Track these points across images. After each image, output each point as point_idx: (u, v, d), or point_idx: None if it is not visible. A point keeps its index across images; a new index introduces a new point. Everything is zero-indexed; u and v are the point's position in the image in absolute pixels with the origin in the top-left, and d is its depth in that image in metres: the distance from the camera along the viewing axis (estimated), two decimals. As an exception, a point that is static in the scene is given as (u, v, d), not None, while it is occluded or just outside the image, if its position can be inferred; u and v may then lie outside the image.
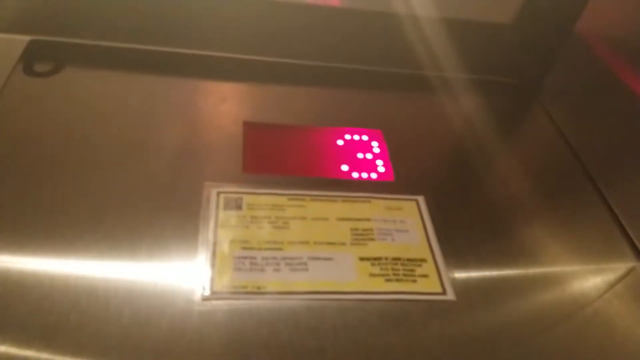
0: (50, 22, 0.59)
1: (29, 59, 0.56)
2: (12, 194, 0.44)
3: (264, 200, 0.47)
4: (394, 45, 0.61)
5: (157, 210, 0.44)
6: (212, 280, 0.40)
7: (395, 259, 0.44)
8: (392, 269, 0.44)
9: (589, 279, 0.46)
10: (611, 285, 0.46)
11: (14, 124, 0.50)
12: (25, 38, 0.58)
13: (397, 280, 0.43)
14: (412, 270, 0.44)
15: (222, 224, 0.44)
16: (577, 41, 0.61)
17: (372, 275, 0.43)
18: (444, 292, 0.43)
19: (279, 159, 0.52)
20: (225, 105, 0.56)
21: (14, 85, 0.54)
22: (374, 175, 0.52)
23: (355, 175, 0.52)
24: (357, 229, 0.46)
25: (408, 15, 0.60)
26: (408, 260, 0.45)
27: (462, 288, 0.43)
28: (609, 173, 0.55)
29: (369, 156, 0.54)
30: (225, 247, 0.42)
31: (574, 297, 0.45)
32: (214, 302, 0.39)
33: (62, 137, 0.49)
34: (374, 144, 0.55)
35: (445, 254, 0.46)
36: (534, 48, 0.65)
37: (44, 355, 0.34)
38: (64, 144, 0.49)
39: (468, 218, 0.50)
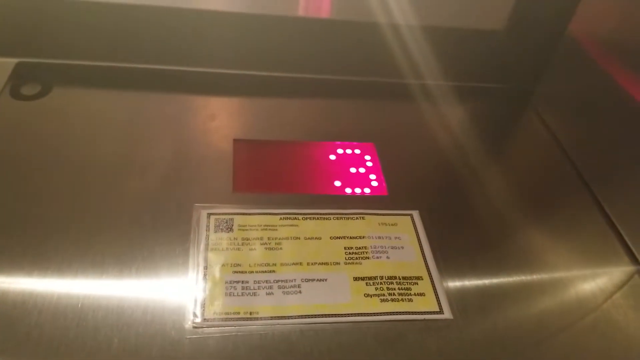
0: (37, 44, 0.58)
1: (17, 82, 0.56)
2: (0, 216, 0.43)
3: (256, 221, 0.46)
4: (384, 55, 0.61)
5: (146, 233, 0.44)
6: (204, 307, 0.39)
7: (390, 277, 0.44)
8: (388, 289, 0.43)
9: (588, 291, 0.46)
10: (609, 292, 0.46)
11: (1, 147, 0.49)
12: (13, 60, 0.58)
13: (393, 300, 0.42)
14: (408, 289, 0.43)
15: (212, 247, 0.43)
16: (569, 46, 0.61)
17: (367, 295, 0.42)
18: (440, 311, 0.42)
19: (270, 176, 0.51)
20: (214, 122, 0.56)
21: (1, 108, 0.53)
22: (367, 190, 0.51)
23: (348, 190, 0.51)
24: (351, 248, 0.45)
25: (400, 26, 0.60)
26: (403, 278, 0.44)
27: (459, 305, 0.43)
28: (604, 178, 0.55)
29: (362, 170, 0.53)
30: (216, 271, 0.42)
31: (572, 307, 0.44)
32: (206, 330, 0.38)
33: (50, 159, 0.49)
34: (367, 157, 0.55)
35: (441, 270, 0.45)
36: (527, 54, 0.65)
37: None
38: (50, 166, 0.48)
39: (464, 231, 0.49)
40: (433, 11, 0.60)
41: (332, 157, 0.54)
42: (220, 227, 0.45)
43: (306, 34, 0.61)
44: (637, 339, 0.42)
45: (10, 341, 0.36)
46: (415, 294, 0.43)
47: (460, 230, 0.49)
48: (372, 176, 0.53)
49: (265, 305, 0.40)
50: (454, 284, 0.44)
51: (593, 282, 0.46)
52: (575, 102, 0.61)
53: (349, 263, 0.44)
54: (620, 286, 0.47)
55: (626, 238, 0.50)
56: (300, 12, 0.60)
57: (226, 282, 0.41)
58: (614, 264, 0.49)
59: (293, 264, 0.43)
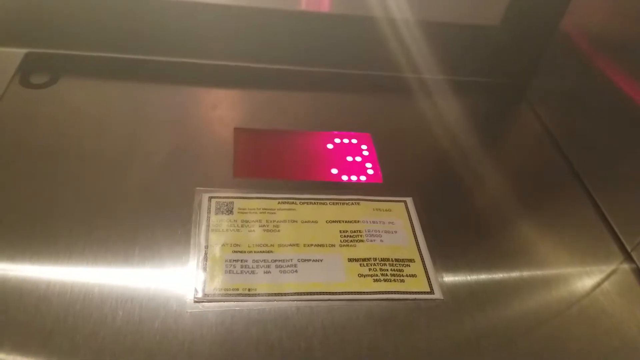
0: (45, 35, 0.60)
1: (26, 71, 0.58)
2: (9, 201, 0.45)
3: (255, 204, 0.48)
4: (382, 49, 0.62)
5: (150, 215, 0.46)
6: (204, 283, 0.41)
7: (383, 259, 0.45)
8: (381, 270, 0.44)
9: (577, 279, 0.47)
10: (598, 280, 0.47)
11: (12, 134, 0.51)
12: (22, 51, 0.60)
13: (385, 280, 0.44)
14: (401, 271, 0.45)
15: (213, 228, 0.45)
16: (563, 41, 0.62)
17: (361, 275, 0.44)
18: (431, 291, 0.44)
19: (269, 163, 0.53)
20: (216, 112, 0.57)
21: (11, 96, 0.55)
22: (363, 178, 0.53)
23: (344, 178, 0.53)
24: (346, 231, 0.47)
25: (396, 20, 0.61)
26: (396, 260, 0.45)
27: (450, 287, 0.44)
28: (596, 172, 0.55)
29: (358, 159, 0.55)
30: (216, 250, 0.43)
31: (560, 293, 0.45)
32: (206, 304, 0.40)
33: (58, 146, 0.50)
34: (363, 147, 0.56)
35: (433, 254, 0.46)
36: (521, 49, 0.66)
37: (41, 356, 0.35)
38: (59, 152, 0.50)
39: (456, 219, 0.51)
40: (429, 6, 0.61)
41: (330, 146, 0.56)
42: (221, 210, 0.47)
43: (306, 27, 0.63)
44: (621, 323, 0.44)
45: (20, 312, 0.37)
46: (407, 275, 0.44)
47: (453, 218, 0.51)
48: (368, 165, 0.54)
49: (263, 282, 0.42)
50: (445, 267, 0.46)
51: (581, 269, 0.48)
52: (568, 97, 0.62)
53: (344, 245, 0.46)
54: (609, 274, 0.48)
55: (616, 229, 0.51)
56: (301, 6, 0.61)
57: (226, 261, 0.43)
58: (603, 254, 0.49)
59: (290, 245, 0.45)
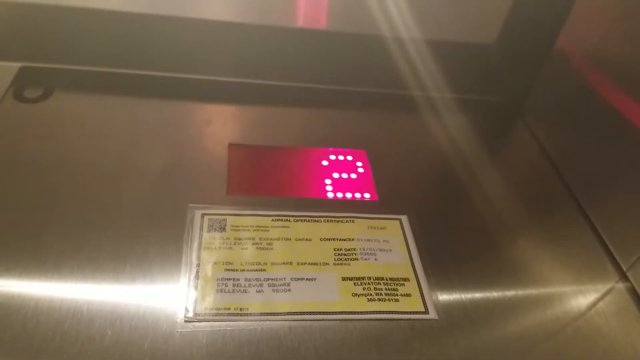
0: (39, 49, 0.60)
1: (20, 85, 0.58)
2: (0, 213, 0.45)
3: (248, 222, 0.47)
4: (377, 66, 0.63)
5: (141, 232, 0.45)
6: (195, 302, 0.40)
7: (378, 278, 0.45)
8: (375, 289, 0.44)
9: (573, 299, 0.46)
10: (593, 299, 0.47)
11: (4, 148, 0.51)
12: (16, 65, 0.60)
13: (380, 299, 0.43)
14: (395, 290, 0.44)
15: (205, 246, 0.45)
16: (558, 60, 0.62)
17: (355, 295, 0.43)
18: (426, 311, 0.43)
19: (263, 180, 0.52)
20: (210, 128, 0.57)
21: (5, 110, 0.55)
22: (357, 195, 0.53)
23: (339, 195, 0.52)
24: (340, 249, 0.47)
25: (393, 37, 0.61)
26: (391, 279, 0.45)
27: (445, 307, 0.44)
28: (592, 191, 0.55)
29: (353, 176, 0.54)
30: (208, 268, 0.43)
31: (555, 313, 0.45)
32: (197, 324, 0.39)
33: (50, 161, 0.50)
34: (358, 164, 0.56)
35: (428, 273, 0.46)
36: (517, 67, 0.67)
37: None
38: (51, 167, 0.49)
39: (451, 237, 0.50)
40: (425, 24, 0.61)
41: (325, 162, 0.56)
42: (214, 227, 0.46)
43: (301, 44, 0.63)
44: (617, 344, 0.43)
45: (6, 331, 0.37)
46: (401, 295, 0.44)
47: (448, 236, 0.50)
48: (363, 182, 0.54)
49: (255, 302, 0.41)
50: (440, 286, 0.45)
51: (577, 289, 0.47)
52: (564, 115, 0.62)
53: (338, 264, 0.45)
54: (604, 294, 0.47)
55: (611, 248, 0.51)
56: (297, 22, 0.61)
57: (218, 279, 0.42)
58: (598, 273, 0.49)
59: (283, 263, 0.45)
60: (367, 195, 0.53)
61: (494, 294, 0.46)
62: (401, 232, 0.49)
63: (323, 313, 0.42)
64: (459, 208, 0.54)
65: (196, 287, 0.41)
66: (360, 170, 0.55)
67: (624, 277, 0.49)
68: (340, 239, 0.47)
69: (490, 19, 0.64)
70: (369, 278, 0.45)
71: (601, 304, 0.46)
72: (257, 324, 0.40)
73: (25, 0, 0.56)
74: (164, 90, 0.61)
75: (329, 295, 0.43)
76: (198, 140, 0.56)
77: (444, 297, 0.45)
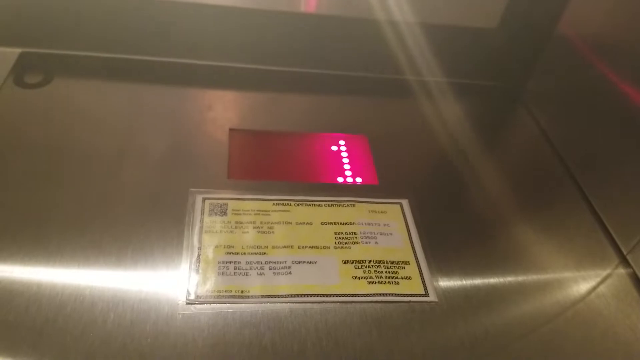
0: (40, 34, 0.60)
1: (20, 71, 0.58)
2: (1, 202, 0.45)
3: (249, 206, 0.47)
4: (378, 51, 0.62)
5: (143, 216, 0.45)
6: (197, 285, 0.41)
7: (378, 261, 0.45)
8: (375, 272, 0.44)
9: (573, 283, 0.47)
10: (593, 282, 0.47)
11: (5, 133, 0.51)
12: (17, 50, 0.60)
13: (380, 282, 0.43)
14: (395, 273, 0.44)
15: (206, 230, 0.45)
16: (559, 44, 0.62)
17: (355, 277, 0.44)
18: (426, 294, 0.43)
19: (264, 165, 0.53)
20: (211, 113, 0.57)
21: (5, 96, 0.55)
22: (358, 180, 0.53)
23: (340, 179, 0.52)
24: (341, 233, 0.47)
25: (393, 22, 0.61)
26: (391, 262, 0.45)
27: (445, 290, 0.44)
28: (592, 175, 0.55)
29: (354, 161, 0.54)
30: (209, 252, 0.43)
31: (558, 300, 0.45)
32: (198, 306, 0.40)
33: (51, 146, 0.50)
34: (359, 149, 0.56)
35: (428, 257, 0.46)
36: (518, 51, 0.66)
37: (30, 358, 0.35)
38: (52, 152, 0.49)
39: (451, 221, 0.51)
40: (427, 8, 0.61)
41: (326, 147, 0.56)
42: (215, 211, 0.46)
43: (302, 29, 0.62)
44: (616, 327, 0.43)
45: (9, 314, 0.37)
46: (402, 278, 0.44)
47: (449, 220, 0.51)
48: (364, 167, 0.54)
49: (256, 284, 0.42)
50: (440, 270, 0.45)
51: (577, 272, 0.47)
52: (565, 99, 0.62)
53: (339, 247, 0.46)
54: (604, 277, 0.47)
55: (612, 232, 0.51)
56: (298, 7, 0.61)
57: (219, 262, 0.43)
58: (599, 256, 0.49)
59: (284, 246, 0.45)
60: (368, 180, 0.53)
61: (494, 277, 0.46)
62: (402, 216, 0.49)
63: (324, 295, 0.42)
64: (460, 192, 0.54)
65: (197, 270, 0.42)
66: (361, 155, 0.55)
67: (624, 260, 0.49)
68: (341, 223, 0.48)
69: (492, 3, 0.64)
70: (370, 261, 0.45)
71: (601, 287, 0.47)
72: (258, 307, 0.40)
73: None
74: (165, 76, 0.61)
75: (329, 278, 0.43)
76: (199, 125, 0.56)
77: (444, 280, 0.45)
